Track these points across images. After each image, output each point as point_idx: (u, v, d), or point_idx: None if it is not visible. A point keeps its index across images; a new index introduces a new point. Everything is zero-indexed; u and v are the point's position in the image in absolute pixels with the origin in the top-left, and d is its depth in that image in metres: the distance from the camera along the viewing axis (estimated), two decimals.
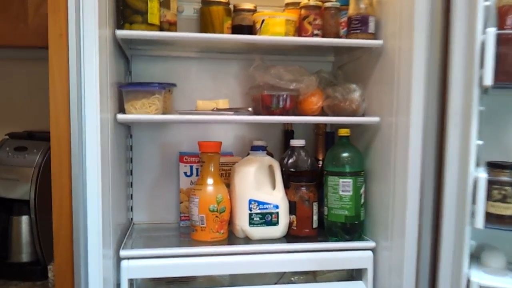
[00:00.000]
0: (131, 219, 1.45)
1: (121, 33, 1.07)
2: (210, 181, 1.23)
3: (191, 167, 1.41)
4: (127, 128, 1.41)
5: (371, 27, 1.23)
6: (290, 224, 1.28)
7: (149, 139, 1.44)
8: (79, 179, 0.94)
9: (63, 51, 0.90)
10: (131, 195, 1.45)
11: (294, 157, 1.36)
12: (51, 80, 0.91)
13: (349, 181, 1.24)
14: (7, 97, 1.47)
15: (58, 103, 0.91)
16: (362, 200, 1.26)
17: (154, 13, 1.13)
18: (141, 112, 1.14)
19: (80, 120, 0.93)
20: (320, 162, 1.43)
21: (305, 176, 1.31)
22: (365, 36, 1.23)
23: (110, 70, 1.05)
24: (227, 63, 1.46)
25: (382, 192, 1.21)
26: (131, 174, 1.44)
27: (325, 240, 1.25)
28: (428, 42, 1.06)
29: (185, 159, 1.41)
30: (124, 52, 1.29)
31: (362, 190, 1.26)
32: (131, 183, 1.44)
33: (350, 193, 1.24)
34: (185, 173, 1.41)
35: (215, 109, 1.24)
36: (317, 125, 1.47)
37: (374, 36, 1.23)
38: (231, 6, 1.30)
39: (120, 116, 1.10)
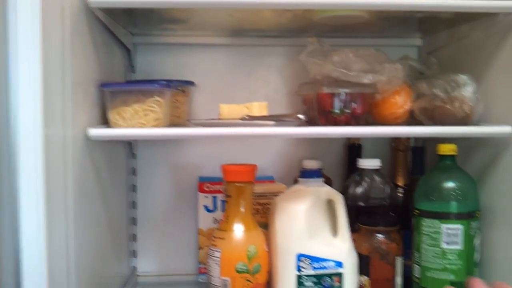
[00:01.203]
0: (134, 267, 1.06)
1: None
2: (238, 226, 0.81)
3: (214, 199, 1.00)
4: (127, 146, 1.02)
5: None
6: None
7: (159, 160, 1.05)
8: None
9: None
10: (134, 235, 1.06)
11: (364, 186, 0.93)
12: None
13: (457, 227, 0.79)
14: None
15: None
16: (478, 257, 0.81)
17: None
18: (132, 124, 0.74)
19: (4, 141, 0.53)
20: (400, 190, 0.99)
21: (384, 216, 0.87)
22: None
23: (76, 59, 0.66)
24: (267, 51, 1.06)
25: None
26: (135, 207, 1.05)
27: None
28: None
29: (207, 187, 1.00)
30: (118, 39, 0.91)
31: (477, 242, 0.80)
32: (135, 219, 1.05)
33: (460, 247, 0.79)
34: (206, 207, 1.00)
35: (246, 117, 0.82)
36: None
37: None
38: None
39: (94, 132, 0.69)
